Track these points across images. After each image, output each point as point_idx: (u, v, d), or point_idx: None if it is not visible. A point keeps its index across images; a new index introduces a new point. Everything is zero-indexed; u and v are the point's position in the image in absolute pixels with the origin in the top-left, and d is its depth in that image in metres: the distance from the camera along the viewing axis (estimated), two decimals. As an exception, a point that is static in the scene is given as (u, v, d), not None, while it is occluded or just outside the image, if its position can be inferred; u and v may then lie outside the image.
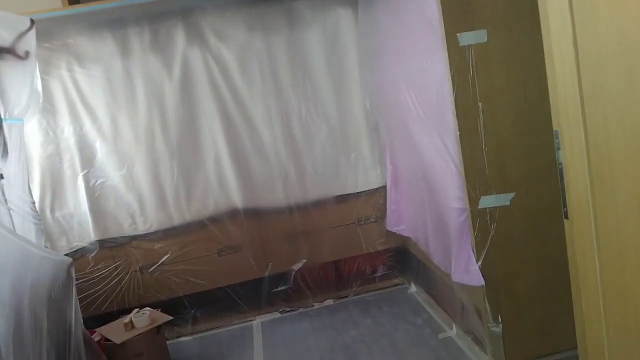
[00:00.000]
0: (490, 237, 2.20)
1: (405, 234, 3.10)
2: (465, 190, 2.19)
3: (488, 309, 2.25)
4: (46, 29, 2.94)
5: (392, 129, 2.92)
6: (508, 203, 2.19)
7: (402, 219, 3.12)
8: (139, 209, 3.16)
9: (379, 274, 3.40)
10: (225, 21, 3.11)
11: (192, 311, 3.29)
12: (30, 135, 3.02)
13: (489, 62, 2.10)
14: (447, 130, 2.22)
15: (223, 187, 3.19)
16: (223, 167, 3.18)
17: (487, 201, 2.19)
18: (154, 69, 3.09)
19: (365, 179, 3.29)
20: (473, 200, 2.18)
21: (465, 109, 2.12)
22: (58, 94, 3.05)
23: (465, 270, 2.27)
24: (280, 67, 3.17)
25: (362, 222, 3.34)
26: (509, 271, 2.23)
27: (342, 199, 3.30)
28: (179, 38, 3.09)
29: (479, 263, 2.21)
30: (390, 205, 3.21)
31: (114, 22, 3.04)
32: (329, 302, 3.33)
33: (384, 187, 3.28)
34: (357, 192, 3.30)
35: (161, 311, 3.10)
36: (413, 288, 3.28)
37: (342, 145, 3.26)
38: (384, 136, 3.14)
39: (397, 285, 3.38)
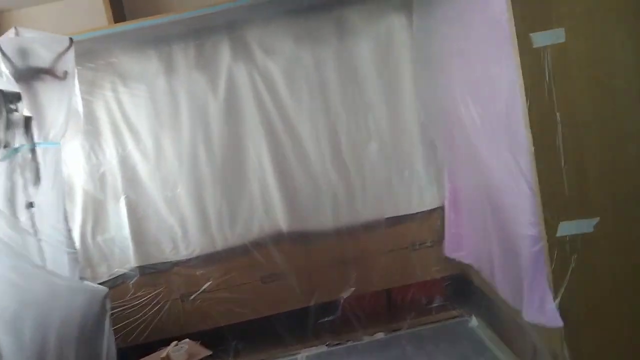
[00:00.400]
0: (570, 270, 1.88)
1: (466, 261, 2.79)
2: (540, 215, 1.88)
3: (567, 354, 1.92)
4: (90, 49, 2.88)
5: (452, 144, 2.65)
6: (591, 230, 1.87)
7: (462, 245, 2.82)
8: (181, 233, 3.01)
9: (436, 304, 3.08)
10: (271, 34, 2.96)
11: (234, 343, 3.09)
12: (73, 158, 2.95)
13: (568, 66, 1.82)
14: (518, 146, 1.94)
15: (268, 209, 3.01)
16: (268, 188, 3.00)
17: (567, 228, 1.87)
18: (198, 87, 2.97)
19: (420, 199, 3.02)
20: (550, 226, 1.87)
21: (541, 120, 1.84)
22: (101, 115, 2.97)
23: (540, 308, 1.96)
24: (329, 80, 2.98)
25: (417, 247, 3.05)
26: (593, 311, 1.89)
27: (395, 221, 3.03)
28: (224, 53, 2.96)
29: (557, 301, 1.89)
30: (448, 229, 2.91)
31: (158, 39, 2.96)
32: (380, 335, 3.04)
33: (442, 208, 3.00)
34: (412, 214, 3.02)
35: (202, 342, 2.94)
36: (474, 322, 2.95)
37: (395, 162, 3.01)
38: (442, 152, 2.87)
39: (455, 317, 3.06)
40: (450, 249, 2.90)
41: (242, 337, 3.09)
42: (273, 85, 2.97)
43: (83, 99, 2.77)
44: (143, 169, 2.99)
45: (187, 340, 2.91)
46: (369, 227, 3.00)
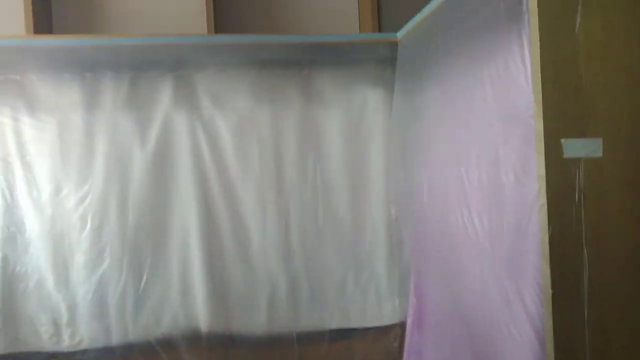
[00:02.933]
0: None
1: (426, 398, 2.24)
2: (551, 382, 1.38)
3: None
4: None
5: (428, 251, 2.15)
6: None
7: (423, 376, 2.27)
8: (68, 315, 2.30)
9: None
10: (226, 83, 2.44)
11: None
12: None
13: (603, 188, 1.38)
14: (526, 280, 1.46)
15: (186, 298, 2.37)
16: (191, 270, 2.38)
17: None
18: (124, 130, 2.37)
19: (377, 310, 2.46)
20: (563, 400, 1.37)
21: (564, 255, 1.37)
22: (-10, 147, 2.31)
23: None
24: (286, 148, 2.46)
25: (366, 371, 2.47)
26: None
27: (343, 334, 2.44)
28: (164, 95, 2.40)
29: None
30: (408, 354, 2.36)
31: (85, 64, 2.37)
32: None
33: (401, 325, 2.45)
34: (365, 328, 2.46)
35: None
36: None
37: (352, 260, 2.47)
38: (412, 257, 2.35)
39: None
40: (408, 379, 2.35)
41: None
42: (217, 142, 2.43)
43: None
44: (33, 224, 2.31)
45: None
46: (311, 339, 2.40)
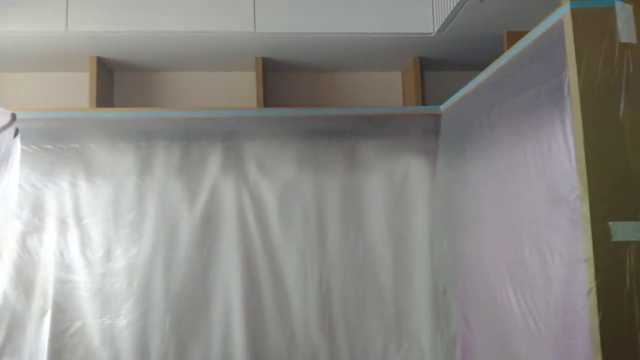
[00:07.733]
0: None
1: None
2: None
3: None
4: (55, 129, 2.45)
5: (475, 324, 2.10)
6: None
7: None
8: (110, 374, 2.35)
9: None
10: (272, 151, 2.53)
11: None
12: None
13: (656, 274, 1.35)
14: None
15: (226, 360, 2.38)
16: (232, 333, 2.39)
17: None
18: (173, 194, 2.47)
19: (419, 384, 2.41)
20: None
21: (616, 340, 1.33)
22: (50, 208, 2.42)
23: None
24: (328, 215, 2.50)
25: None
26: None
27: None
28: (213, 162, 2.50)
29: None
30: None
31: (141, 134, 2.51)
32: None
33: (445, 401, 2.38)
34: (405, 403, 2.40)
35: None
36: None
37: (394, 330, 2.43)
38: (460, 328, 2.30)
39: None
40: None
41: None
42: (262, 208, 2.49)
43: (32, 186, 2.41)
44: (84, 283, 2.39)
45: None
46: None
